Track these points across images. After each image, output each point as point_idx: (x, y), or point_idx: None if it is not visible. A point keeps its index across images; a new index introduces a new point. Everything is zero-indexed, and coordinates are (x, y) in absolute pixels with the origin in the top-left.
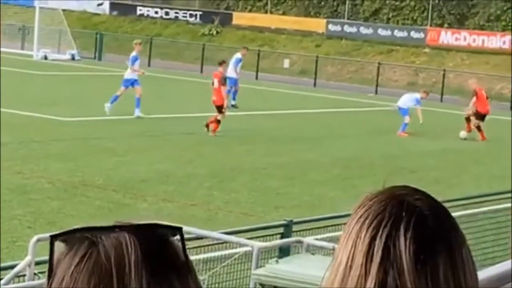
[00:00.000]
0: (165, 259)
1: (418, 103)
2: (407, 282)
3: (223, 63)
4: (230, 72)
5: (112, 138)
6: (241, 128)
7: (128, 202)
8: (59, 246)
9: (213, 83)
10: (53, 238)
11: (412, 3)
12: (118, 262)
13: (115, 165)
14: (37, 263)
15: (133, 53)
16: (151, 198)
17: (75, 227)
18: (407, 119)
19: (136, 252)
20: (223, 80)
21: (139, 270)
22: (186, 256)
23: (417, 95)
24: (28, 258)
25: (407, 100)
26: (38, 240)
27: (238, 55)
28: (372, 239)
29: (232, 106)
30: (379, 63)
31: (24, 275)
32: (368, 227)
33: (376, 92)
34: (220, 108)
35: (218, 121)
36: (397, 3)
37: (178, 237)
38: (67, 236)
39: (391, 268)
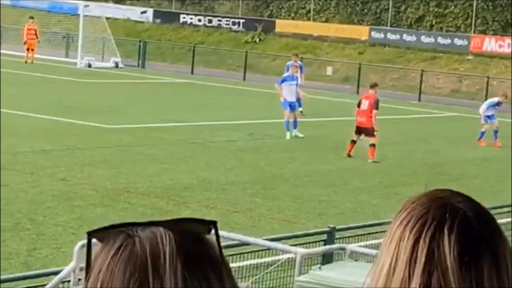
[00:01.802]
0: (199, 251)
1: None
2: (451, 283)
3: (375, 85)
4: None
5: (155, 145)
6: (283, 135)
7: (171, 208)
8: (96, 245)
9: (359, 105)
10: (90, 235)
11: (456, 10)
12: (153, 253)
13: (158, 172)
14: (82, 269)
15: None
16: (194, 205)
17: (111, 223)
18: (491, 125)
19: (170, 244)
20: (376, 104)
21: (174, 260)
22: (220, 250)
23: (495, 100)
24: (73, 264)
25: (486, 107)
26: (83, 246)
27: (290, 62)
28: (416, 242)
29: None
30: (422, 70)
31: (68, 281)
32: (412, 230)
33: (419, 100)
34: (371, 132)
35: (374, 145)
36: (440, 10)
37: (212, 231)
38: (103, 233)
39: (435, 270)
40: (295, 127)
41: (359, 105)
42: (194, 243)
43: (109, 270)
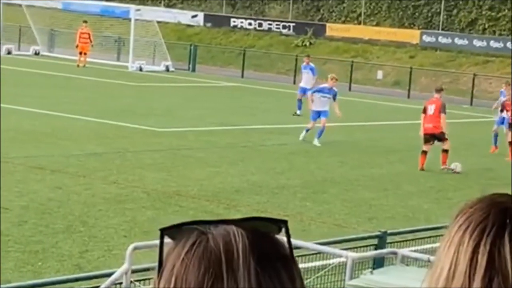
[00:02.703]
0: (271, 250)
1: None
2: None
3: (441, 90)
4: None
5: (205, 149)
6: (333, 139)
7: (221, 212)
8: (167, 242)
9: (425, 111)
10: (163, 231)
11: (509, 14)
12: (227, 249)
13: (208, 175)
14: (134, 271)
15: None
16: (244, 208)
17: (183, 221)
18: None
19: (243, 241)
20: (443, 108)
21: (247, 257)
22: (291, 248)
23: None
24: (125, 266)
25: None
26: (135, 248)
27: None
28: (476, 247)
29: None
30: (474, 75)
31: (120, 283)
32: (471, 235)
33: (471, 104)
34: (442, 136)
35: (447, 151)
36: (493, 13)
37: (283, 230)
38: (176, 230)
39: (496, 276)
40: (319, 135)
41: (424, 111)
42: (265, 241)
43: (183, 266)
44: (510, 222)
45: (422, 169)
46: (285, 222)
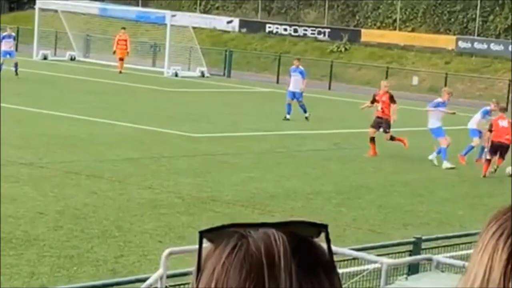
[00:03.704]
0: (312, 254)
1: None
2: None
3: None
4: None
5: (240, 154)
6: (368, 145)
7: (256, 217)
8: (206, 245)
9: (494, 126)
10: (202, 234)
11: None
12: (268, 253)
13: (243, 181)
14: (169, 276)
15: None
16: (279, 214)
17: (223, 224)
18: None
19: (284, 245)
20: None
21: (288, 261)
22: (331, 253)
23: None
24: (160, 271)
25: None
26: (170, 253)
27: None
28: (510, 255)
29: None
30: (509, 80)
31: None
32: (506, 242)
33: (506, 110)
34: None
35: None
36: None
37: (323, 234)
38: (216, 233)
39: None
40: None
41: (492, 126)
42: (306, 245)
43: (224, 269)
44: None
45: (485, 176)
46: (325, 227)
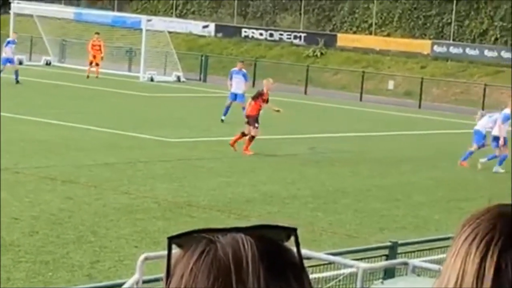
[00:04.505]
0: (281, 258)
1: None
2: None
3: None
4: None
5: (216, 159)
6: (344, 149)
7: (232, 222)
8: (175, 251)
9: None
10: (171, 240)
11: None
12: (236, 258)
13: (219, 185)
14: (144, 282)
15: (507, 111)
16: (255, 218)
17: (192, 229)
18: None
19: (252, 249)
20: None
21: (256, 266)
22: (300, 256)
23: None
24: (136, 276)
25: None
26: (146, 258)
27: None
28: (483, 258)
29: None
30: (485, 85)
31: None
32: (478, 246)
33: None
34: None
35: None
36: (504, 24)
37: (292, 238)
38: (184, 238)
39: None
40: (500, 163)
41: None
42: (274, 249)
43: (192, 275)
44: None
45: None
46: (294, 230)
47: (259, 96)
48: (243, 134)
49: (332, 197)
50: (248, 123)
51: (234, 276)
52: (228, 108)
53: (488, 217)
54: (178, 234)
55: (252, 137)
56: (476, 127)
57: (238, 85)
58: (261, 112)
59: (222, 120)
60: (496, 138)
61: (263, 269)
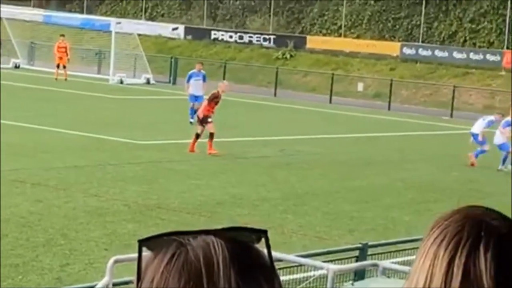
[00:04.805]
0: (252, 260)
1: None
2: None
3: None
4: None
5: (186, 161)
6: (314, 151)
7: (203, 224)
8: (145, 254)
9: None
10: (141, 243)
11: (489, 26)
12: (207, 261)
13: (189, 188)
14: (114, 284)
15: (508, 118)
16: (225, 221)
17: (162, 232)
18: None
19: (223, 252)
20: None
21: (227, 269)
22: (271, 259)
23: (491, 118)
24: (106, 279)
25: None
26: (116, 261)
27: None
28: (451, 260)
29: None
30: (454, 86)
31: None
32: (446, 248)
33: (452, 116)
34: None
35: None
36: (473, 26)
37: (263, 240)
38: (154, 241)
39: None
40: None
41: None
42: (245, 251)
43: (163, 279)
44: (484, 235)
45: None
46: (265, 232)
47: (214, 98)
48: (197, 136)
49: (302, 199)
50: (200, 123)
51: (205, 279)
52: (192, 109)
53: (456, 219)
54: (148, 237)
55: (212, 135)
56: (473, 130)
57: (197, 86)
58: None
59: (191, 123)
60: (500, 145)
61: (234, 271)
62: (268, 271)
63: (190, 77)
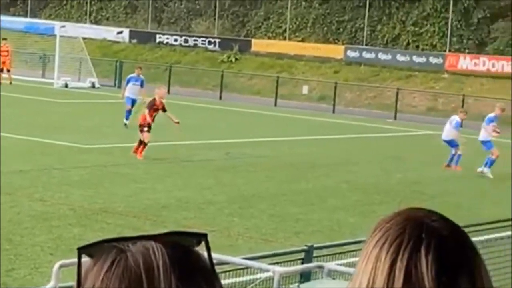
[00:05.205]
0: (192, 264)
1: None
2: None
3: None
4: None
5: (132, 165)
6: (260, 154)
7: (148, 228)
8: (86, 260)
9: None
10: (81, 250)
11: (432, 29)
12: (147, 267)
13: (135, 191)
14: None
15: (491, 114)
16: (171, 224)
17: (102, 238)
18: (456, 150)
19: (163, 257)
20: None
21: (168, 274)
22: (212, 262)
23: (456, 118)
24: (51, 284)
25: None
26: (61, 266)
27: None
28: (393, 262)
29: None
30: (398, 89)
31: None
32: (388, 250)
33: (395, 118)
34: None
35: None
36: (416, 29)
37: (203, 243)
38: (94, 248)
39: None
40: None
41: None
42: (185, 255)
43: (103, 286)
44: (425, 237)
45: None
46: (204, 235)
47: (152, 106)
48: (141, 142)
49: (248, 202)
50: (141, 131)
51: (145, 285)
52: (129, 112)
53: (398, 221)
54: (87, 244)
55: (144, 144)
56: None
57: (134, 91)
58: (155, 119)
59: (125, 125)
60: (484, 142)
61: (174, 276)
62: (208, 274)
63: (128, 81)
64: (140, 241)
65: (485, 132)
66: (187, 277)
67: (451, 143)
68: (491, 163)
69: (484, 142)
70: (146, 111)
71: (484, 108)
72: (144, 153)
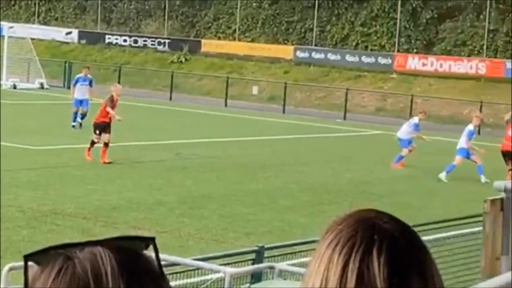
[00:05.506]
0: (140, 268)
1: (417, 128)
2: None
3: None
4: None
5: (81, 166)
6: (210, 155)
7: (98, 230)
8: (33, 267)
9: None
10: (27, 258)
11: (380, 29)
12: (95, 273)
13: (85, 193)
14: None
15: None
16: (121, 225)
17: (49, 245)
18: (404, 151)
19: (111, 263)
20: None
21: (116, 279)
22: (160, 265)
23: (415, 120)
24: (1, 286)
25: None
26: (11, 268)
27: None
28: (346, 264)
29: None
30: (347, 89)
31: None
32: (341, 252)
33: (345, 118)
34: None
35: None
36: (365, 29)
37: (151, 247)
38: (41, 255)
39: None
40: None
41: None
42: (134, 260)
43: None
44: (377, 238)
45: None
46: (153, 239)
47: (111, 102)
48: (93, 143)
49: (198, 203)
50: (98, 131)
51: None
52: (76, 114)
53: (349, 223)
54: (34, 252)
55: (106, 144)
56: (399, 135)
57: (83, 91)
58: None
59: (73, 127)
60: (461, 150)
61: (123, 281)
62: (157, 277)
63: (76, 81)
64: (88, 247)
65: (465, 143)
66: (135, 282)
67: (404, 143)
68: (451, 168)
69: (460, 149)
70: (109, 109)
71: (433, 108)
72: (93, 154)
